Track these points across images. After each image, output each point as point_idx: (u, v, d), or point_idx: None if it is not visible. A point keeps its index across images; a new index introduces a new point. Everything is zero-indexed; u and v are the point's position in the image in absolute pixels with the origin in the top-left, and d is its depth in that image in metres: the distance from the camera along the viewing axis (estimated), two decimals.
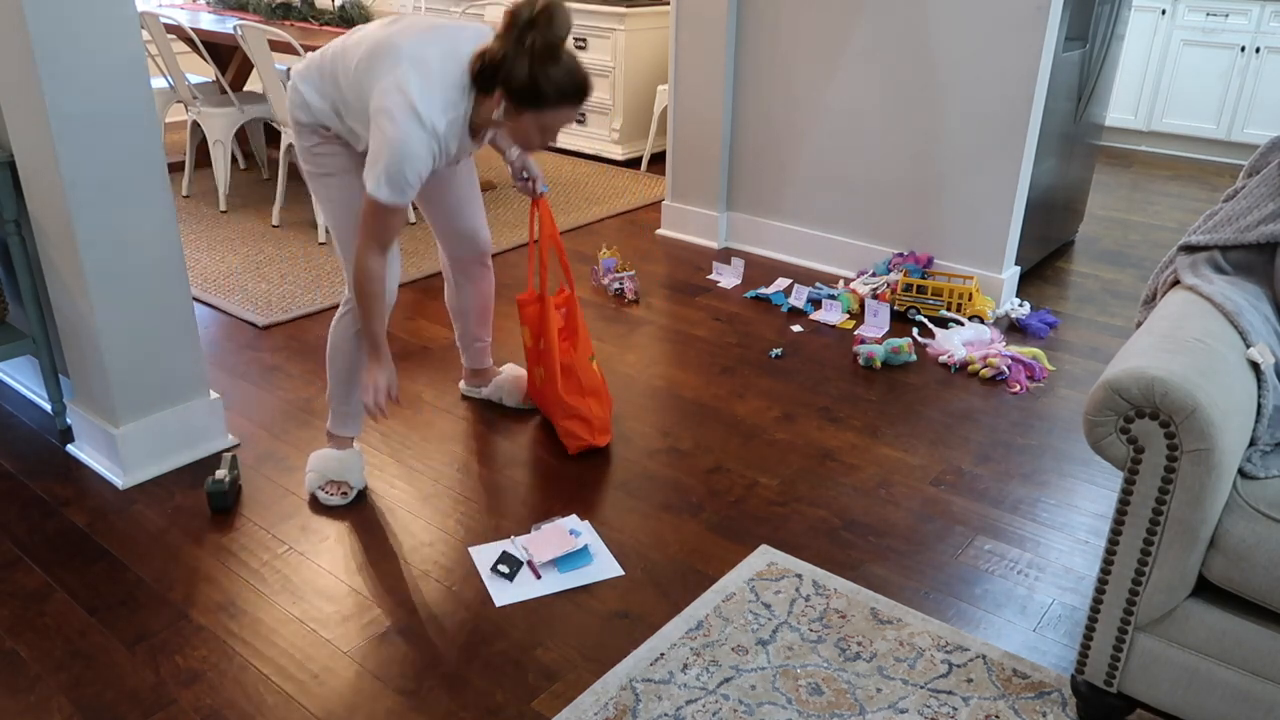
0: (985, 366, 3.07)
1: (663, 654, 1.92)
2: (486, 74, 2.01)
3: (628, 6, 5.25)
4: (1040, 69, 3.24)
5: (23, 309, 2.64)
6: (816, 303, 3.58)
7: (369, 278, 2.12)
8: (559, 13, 1.94)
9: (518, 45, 1.96)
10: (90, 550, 2.22)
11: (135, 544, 2.24)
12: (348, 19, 4.36)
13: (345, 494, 2.40)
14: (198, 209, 4.56)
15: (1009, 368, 3.06)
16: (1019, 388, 3.00)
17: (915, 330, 3.40)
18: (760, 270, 3.95)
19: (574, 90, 2.01)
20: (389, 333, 3.32)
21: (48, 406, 2.79)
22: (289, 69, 4.92)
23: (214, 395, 2.61)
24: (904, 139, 3.61)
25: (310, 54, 2.31)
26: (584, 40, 5.46)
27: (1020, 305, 3.55)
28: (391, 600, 2.07)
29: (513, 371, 2.89)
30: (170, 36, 5.09)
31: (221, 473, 2.37)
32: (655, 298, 3.67)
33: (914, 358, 3.17)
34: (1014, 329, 3.44)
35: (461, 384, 2.96)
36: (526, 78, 1.96)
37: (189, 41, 4.82)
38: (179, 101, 4.65)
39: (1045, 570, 2.20)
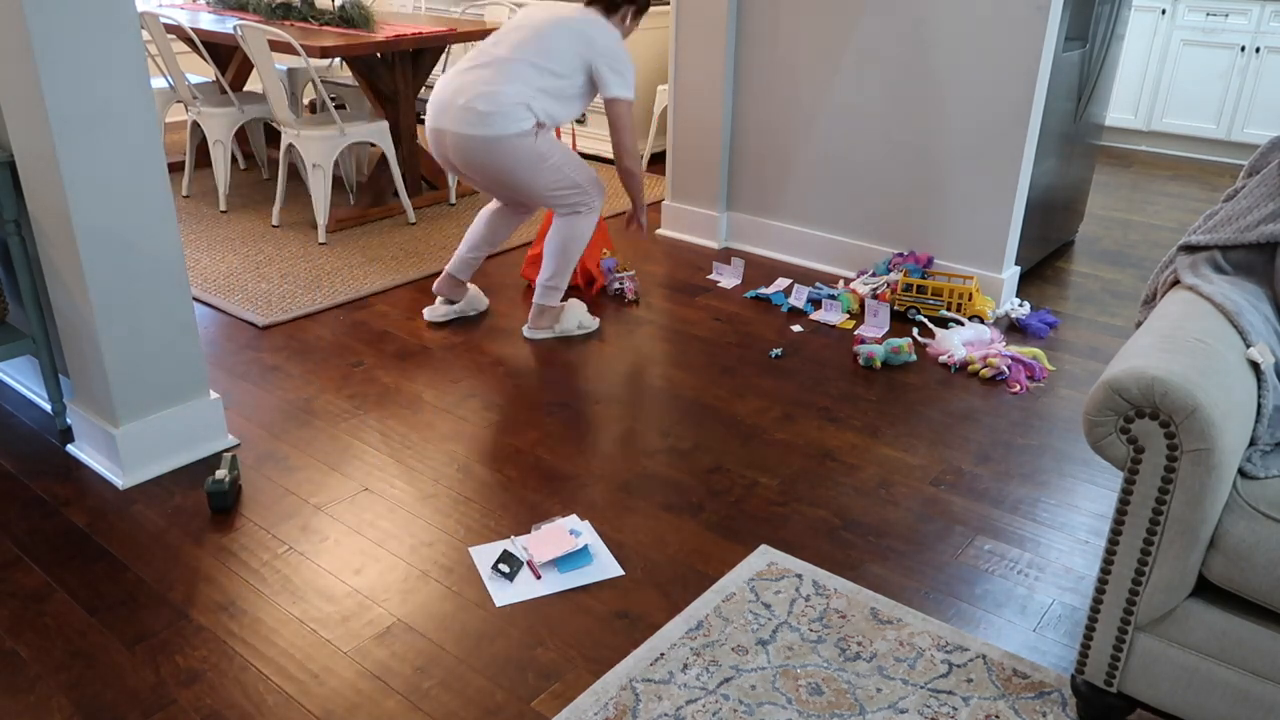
0: (985, 366, 3.07)
1: (663, 654, 1.92)
2: (618, 1, 3.08)
3: None
4: (1040, 69, 3.24)
5: (23, 309, 2.64)
6: (816, 303, 3.58)
7: (640, 165, 3.18)
8: None
9: None
10: (90, 550, 2.22)
11: (135, 544, 2.24)
12: (348, 19, 4.36)
13: (595, 318, 3.39)
14: (198, 209, 4.56)
15: (1009, 368, 3.06)
16: (1019, 388, 3.00)
17: (915, 330, 3.40)
18: (760, 270, 3.95)
19: None
20: (388, 332, 3.32)
21: (48, 406, 2.80)
22: (287, 68, 4.93)
23: (214, 395, 2.61)
24: (904, 139, 3.61)
25: (487, 76, 2.93)
26: None
27: (1020, 305, 3.55)
28: (391, 600, 2.08)
29: (477, 290, 3.51)
30: (170, 36, 5.10)
31: (221, 473, 2.37)
32: (655, 298, 3.67)
33: (914, 358, 3.17)
34: (1014, 329, 3.44)
35: (430, 310, 3.41)
36: None
37: (189, 41, 4.82)
38: (179, 101, 4.65)
39: (1045, 570, 2.20)
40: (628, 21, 3.14)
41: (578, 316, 3.34)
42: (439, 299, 3.45)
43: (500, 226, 3.39)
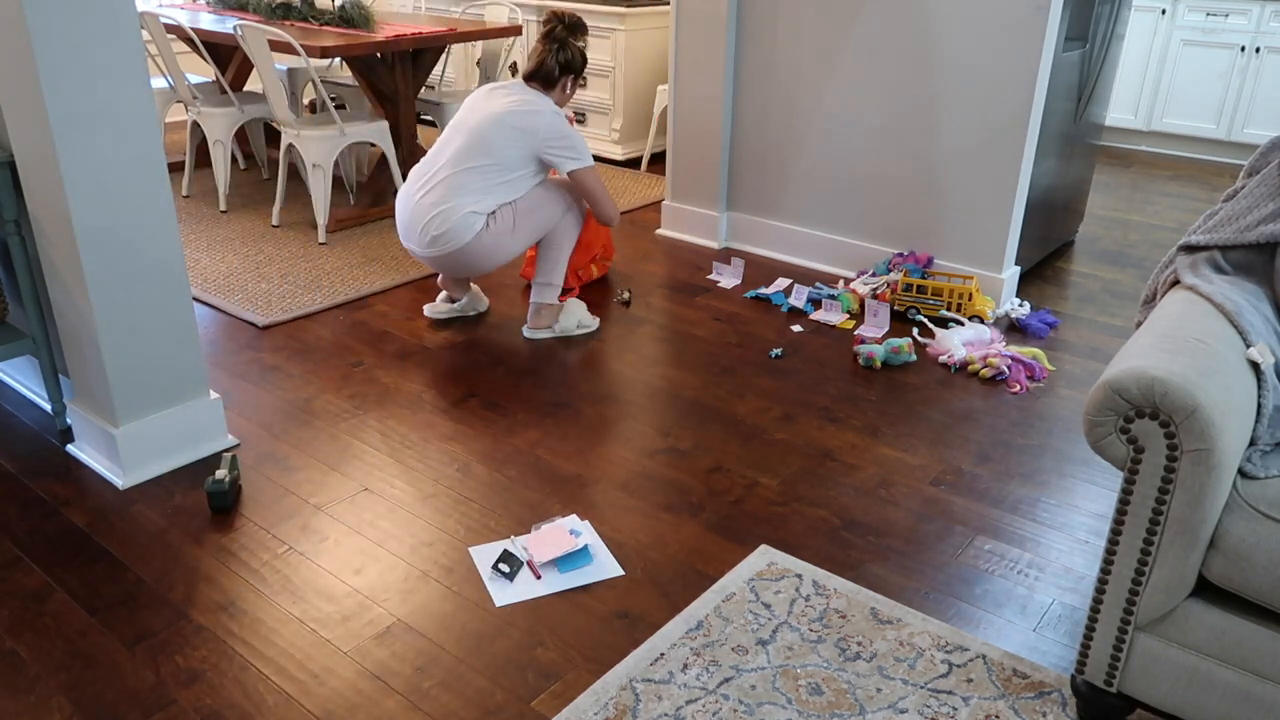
0: (985, 366, 3.07)
1: (663, 654, 1.92)
2: (562, 71, 3.16)
3: (628, 6, 5.25)
4: (1040, 69, 3.24)
5: (23, 309, 2.64)
6: (816, 303, 3.58)
7: (615, 210, 3.27)
8: (580, 17, 3.22)
9: (570, 44, 3.16)
10: (90, 550, 2.22)
11: (135, 544, 2.24)
12: (347, 19, 4.36)
13: (595, 317, 3.44)
14: (198, 209, 4.56)
15: (1009, 368, 3.06)
16: (1019, 388, 3.00)
17: (915, 330, 3.40)
18: (760, 270, 3.95)
19: (586, 57, 3.25)
20: (388, 332, 3.32)
21: (48, 406, 2.79)
22: (287, 68, 4.93)
23: (214, 395, 2.61)
24: (904, 139, 3.61)
25: (435, 200, 3.08)
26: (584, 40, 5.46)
27: (1020, 305, 3.55)
28: (391, 600, 2.08)
29: (478, 290, 3.56)
30: (170, 36, 5.09)
31: (221, 473, 2.37)
32: (655, 298, 3.67)
33: (914, 358, 3.17)
34: (1014, 329, 3.44)
35: (431, 307, 3.46)
36: (581, 57, 3.19)
37: (189, 41, 4.82)
38: (179, 101, 4.65)
39: (1045, 570, 2.20)
40: (568, 90, 3.22)
41: (577, 316, 3.35)
42: (440, 295, 3.49)
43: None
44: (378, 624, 2.01)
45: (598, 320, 3.42)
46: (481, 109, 3.11)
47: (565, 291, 3.64)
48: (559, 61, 3.14)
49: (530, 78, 3.17)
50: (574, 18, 3.19)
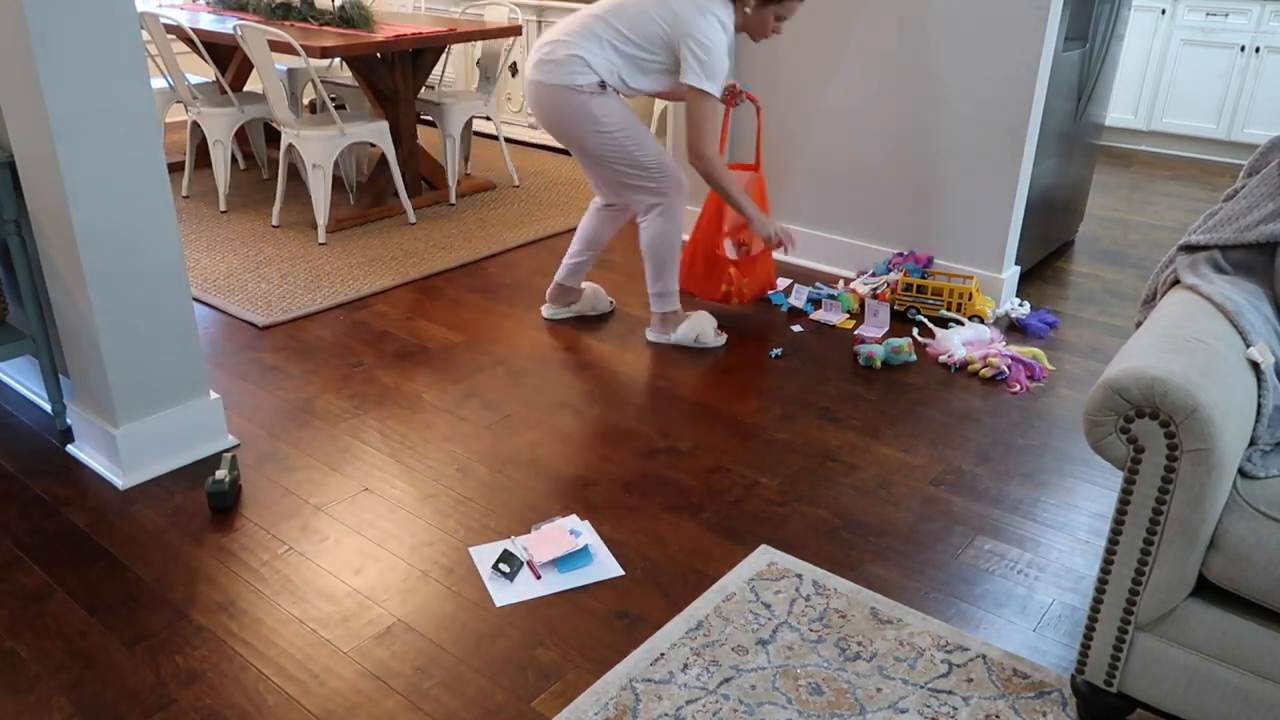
0: (985, 366, 3.07)
1: (663, 654, 1.92)
2: None
3: None
4: (1040, 69, 3.24)
5: (23, 309, 2.64)
6: (816, 303, 3.58)
7: (714, 163, 2.91)
8: None
9: None
10: (90, 550, 2.22)
11: (135, 544, 2.24)
12: (347, 19, 4.36)
13: (721, 332, 3.26)
14: (198, 209, 4.56)
15: (1009, 367, 3.06)
16: (1019, 388, 3.00)
17: (915, 330, 3.40)
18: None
19: None
20: (388, 332, 3.32)
21: (48, 406, 2.79)
22: (287, 68, 4.93)
23: (214, 395, 2.61)
24: (904, 139, 3.61)
25: (566, 28, 2.92)
26: None
27: (1020, 305, 3.55)
28: (391, 600, 2.08)
29: (593, 285, 3.47)
30: (170, 36, 5.09)
31: (221, 473, 2.37)
32: None
33: (914, 357, 3.17)
34: (1014, 329, 3.44)
35: (545, 308, 3.45)
36: None
37: (189, 41, 4.82)
38: (179, 101, 4.65)
39: (1045, 570, 2.20)
40: (749, 9, 2.88)
41: (698, 329, 3.21)
42: (545, 306, 3.47)
43: (600, 227, 3.32)
44: (378, 624, 2.01)
45: (724, 339, 3.25)
46: None
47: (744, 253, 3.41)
48: None
49: None
50: None
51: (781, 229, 3.11)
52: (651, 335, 3.30)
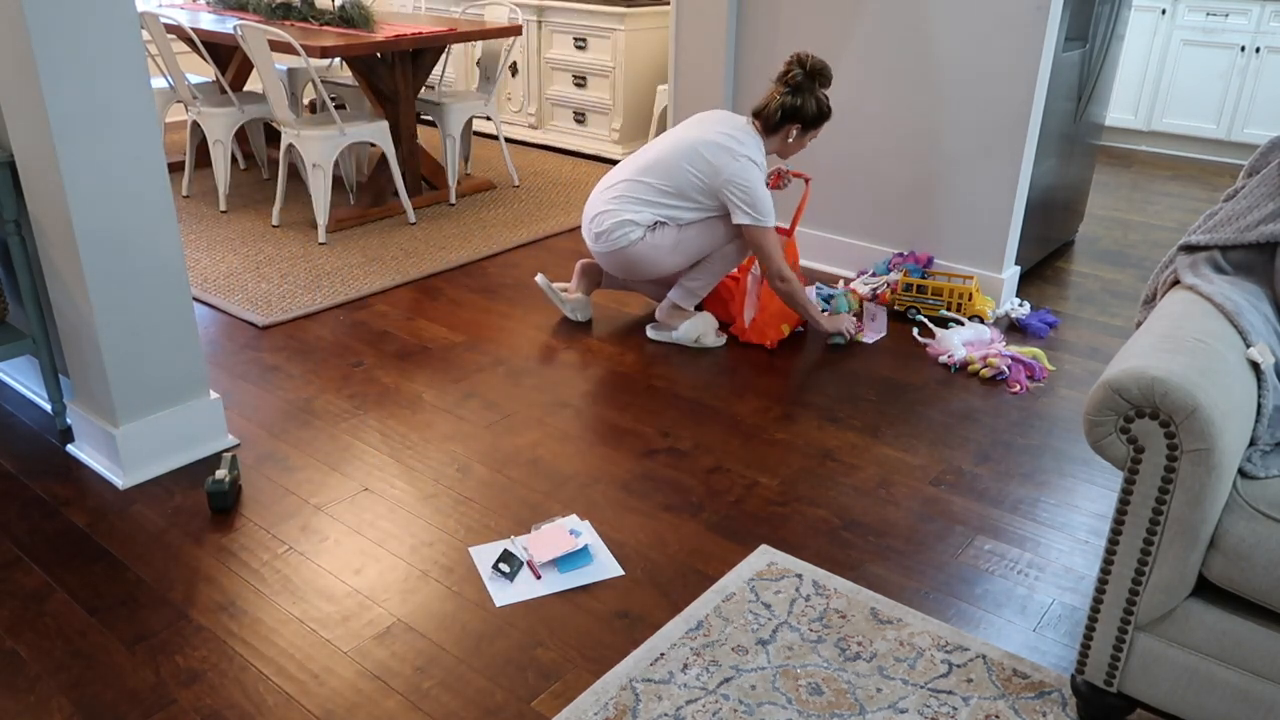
0: (985, 366, 3.07)
1: (663, 654, 1.92)
2: (785, 118, 3.05)
3: (628, 6, 5.25)
4: (1040, 69, 3.24)
5: (23, 309, 2.64)
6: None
7: (793, 284, 3.08)
8: (827, 67, 3.05)
9: (805, 89, 3.03)
10: (90, 550, 2.22)
11: (135, 544, 2.24)
12: (348, 19, 4.36)
13: (721, 333, 3.29)
14: (198, 209, 4.56)
15: (1009, 368, 3.06)
16: (1019, 388, 3.00)
17: (915, 330, 3.40)
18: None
19: (831, 108, 3.11)
20: (387, 331, 3.32)
21: (48, 406, 2.79)
22: (287, 68, 4.93)
23: (214, 395, 2.61)
24: (904, 139, 3.61)
25: (605, 199, 3.13)
26: (584, 40, 5.46)
27: (1020, 305, 3.55)
28: (391, 600, 2.08)
29: (589, 302, 3.47)
30: (170, 36, 5.10)
31: (221, 473, 2.37)
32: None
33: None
34: (1014, 329, 3.44)
35: (574, 289, 3.46)
36: (815, 108, 3.06)
37: (189, 41, 4.82)
38: (179, 101, 4.65)
39: (1045, 570, 2.20)
40: (790, 139, 3.10)
41: (700, 329, 3.24)
42: (574, 280, 3.47)
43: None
44: (378, 624, 2.01)
45: (724, 340, 3.28)
46: (691, 130, 3.08)
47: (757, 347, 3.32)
48: (784, 105, 3.02)
49: (754, 114, 3.10)
50: (817, 63, 3.02)
51: (850, 323, 3.27)
52: (652, 333, 3.31)
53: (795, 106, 3.03)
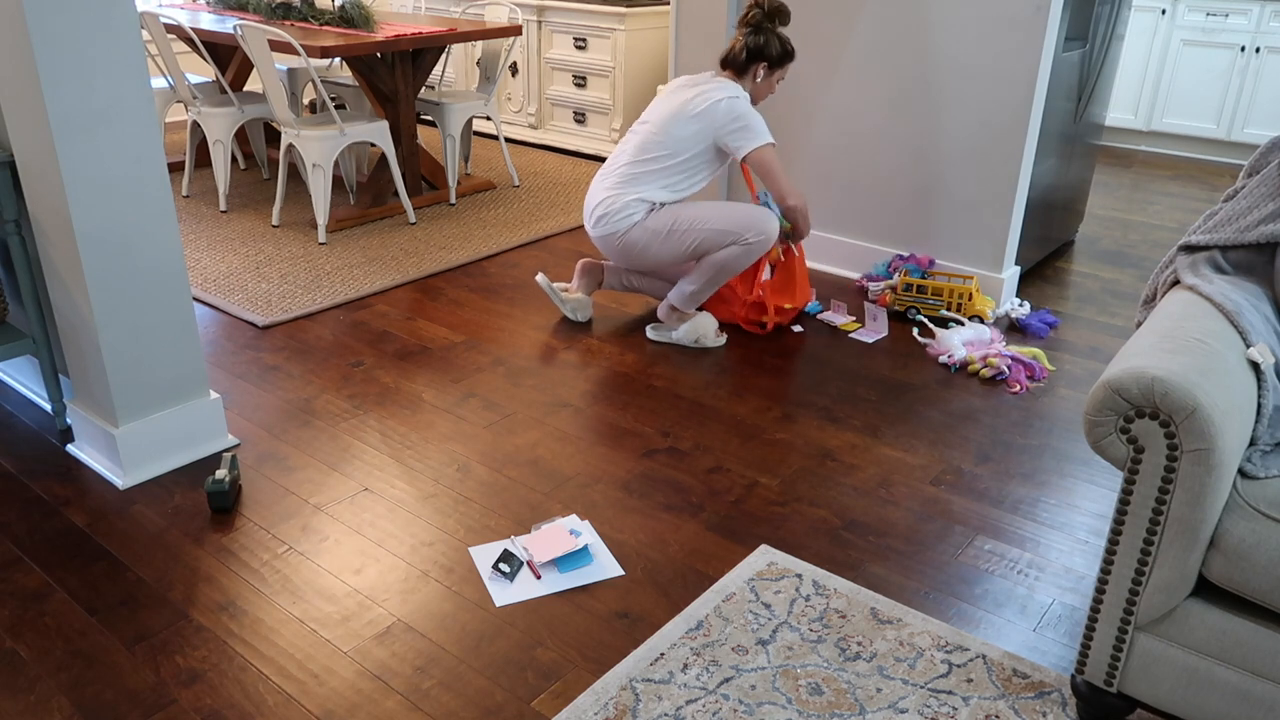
0: (985, 366, 3.07)
1: (663, 654, 1.92)
2: (751, 58, 3.11)
3: (628, 6, 5.25)
4: (1040, 69, 3.24)
5: (23, 309, 2.64)
6: (824, 302, 3.58)
7: (801, 199, 3.15)
8: (785, 6, 3.12)
9: (765, 28, 3.10)
10: (90, 550, 2.22)
11: (135, 544, 2.24)
12: (348, 19, 4.36)
13: (721, 333, 3.30)
14: (198, 209, 4.56)
15: (1009, 368, 3.06)
16: (1019, 388, 3.00)
17: (915, 330, 3.40)
18: None
19: (793, 49, 3.17)
20: (387, 331, 3.32)
21: (48, 406, 2.79)
22: (287, 68, 4.93)
23: (214, 395, 2.61)
24: (904, 139, 3.61)
25: (607, 185, 3.15)
26: (584, 40, 5.46)
27: (1020, 305, 3.55)
28: (391, 600, 2.08)
29: (590, 303, 3.46)
30: (170, 36, 5.10)
31: (221, 473, 2.37)
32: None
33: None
34: (1014, 329, 3.44)
35: (574, 287, 3.46)
36: (779, 47, 3.12)
37: (189, 41, 4.82)
38: (179, 101, 4.65)
39: (1045, 570, 2.20)
40: (758, 78, 3.15)
41: (700, 330, 3.24)
42: (575, 280, 3.47)
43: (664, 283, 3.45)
44: (378, 624, 2.01)
45: (724, 340, 3.28)
46: (668, 101, 3.13)
47: (760, 325, 3.38)
48: (748, 45, 3.09)
49: (723, 64, 3.16)
50: (774, 2, 3.11)
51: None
52: (652, 333, 3.31)
53: (759, 45, 3.10)
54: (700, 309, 3.34)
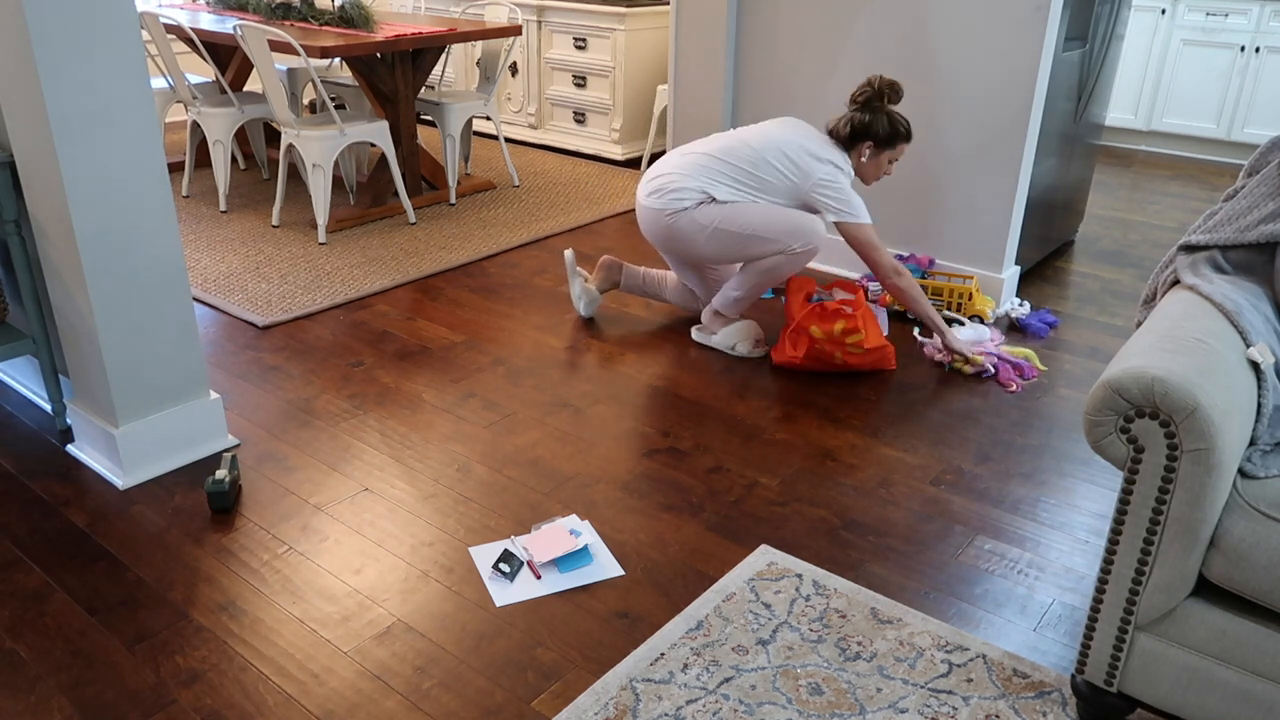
0: (968, 363, 3.06)
1: (663, 654, 1.92)
2: (856, 136, 3.04)
3: (628, 6, 5.25)
4: (1040, 69, 3.24)
5: (23, 309, 2.64)
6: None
7: (899, 272, 3.06)
8: (898, 84, 3.04)
9: (875, 106, 3.03)
10: (90, 550, 2.22)
11: (135, 544, 2.24)
12: (347, 19, 4.36)
13: (761, 344, 3.22)
14: (198, 209, 4.56)
15: (994, 366, 3.03)
16: (1015, 386, 2.99)
17: (916, 330, 3.40)
18: None
19: (909, 128, 3.08)
20: (387, 331, 3.32)
21: (48, 406, 2.79)
22: (287, 68, 4.92)
23: (214, 395, 2.61)
24: None
25: (679, 166, 3.07)
26: (584, 40, 5.46)
27: (1020, 305, 3.55)
28: (392, 600, 2.08)
29: (598, 299, 3.46)
30: (170, 36, 5.09)
31: (221, 473, 2.37)
32: None
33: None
34: (1014, 329, 3.44)
35: (594, 279, 3.45)
36: (888, 127, 3.03)
37: (189, 41, 4.82)
38: (179, 101, 4.65)
39: (1045, 570, 2.20)
40: (865, 158, 3.06)
41: (738, 336, 3.21)
42: (595, 272, 3.45)
43: (687, 292, 3.43)
44: (378, 624, 2.01)
45: (763, 352, 3.20)
46: (774, 130, 3.07)
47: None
48: (852, 121, 3.03)
49: (828, 133, 3.10)
50: (886, 82, 3.02)
51: (976, 350, 3.11)
52: (696, 335, 3.31)
53: (865, 123, 3.02)
54: (744, 317, 3.28)
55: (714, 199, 3.03)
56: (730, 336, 3.21)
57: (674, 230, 3.07)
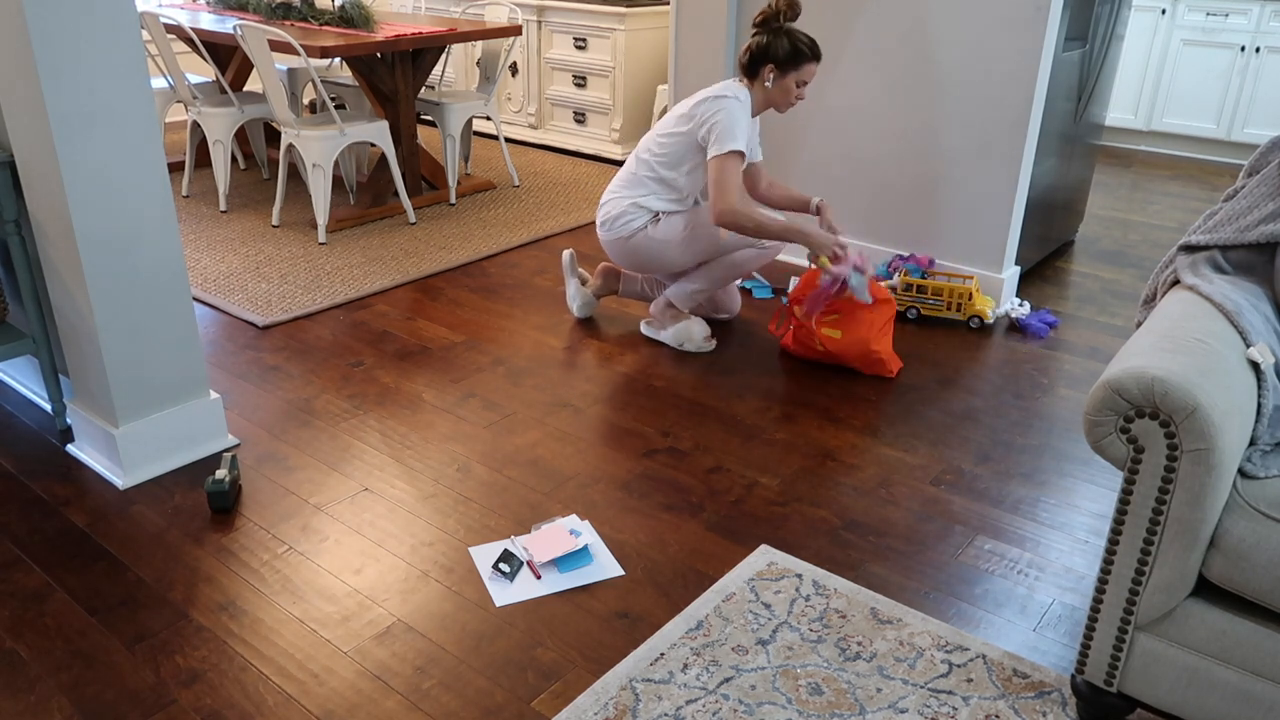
0: (825, 272, 2.90)
1: (663, 654, 1.92)
2: (756, 60, 2.92)
3: (628, 6, 5.25)
4: (1040, 69, 3.24)
5: (23, 309, 2.64)
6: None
7: (735, 213, 2.88)
8: (796, 1, 2.91)
9: (773, 27, 2.90)
10: (90, 550, 2.22)
11: (135, 544, 2.24)
12: (347, 19, 4.36)
13: (710, 339, 3.21)
14: (198, 209, 4.56)
15: (849, 274, 2.89)
16: (837, 288, 2.90)
17: (809, 261, 3.24)
18: (761, 270, 3.94)
19: (814, 46, 2.92)
20: (388, 332, 3.32)
21: (48, 406, 2.79)
22: (287, 68, 4.92)
23: (214, 395, 2.61)
24: (904, 139, 3.61)
25: (615, 182, 3.14)
26: (584, 40, 5.46)
27: (1020, 305, 3.55)
28: (392, 600, 2.08)
29: (594, 303, 3.47)
30: (170, 36, 5.09)
31: (221, 473, 2.37)
32: None
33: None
34: (1014, 329, 3.44)
35: (592, 284, 3.46)
36: (789, 47, 2.89)
37: (189, 41, 4.82)
38: (179, 101, 4.65)
39: (1045, 570, 2.20)
40: (768, 84, 2.94)
41: (688, 333, 3.20)
42: (595, 276, 3.47)
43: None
44: (378, 624, 2.01)
45: (713, 345, 3.21)
46: (681, 105, 3.05)
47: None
48: (752, 49, 2.92)
49: (739, 70, 3.01)
50: (784, 1, 2.89)
51: (836, 241, 2.96)
52: (645, 329, 3.32)
53: (763, 46, 2.91)
54: (692, 314, 3.28)
55: (659, 213, 3.06)
56: (681, 333, 3.22)
57: (638, 251, 3.11)
